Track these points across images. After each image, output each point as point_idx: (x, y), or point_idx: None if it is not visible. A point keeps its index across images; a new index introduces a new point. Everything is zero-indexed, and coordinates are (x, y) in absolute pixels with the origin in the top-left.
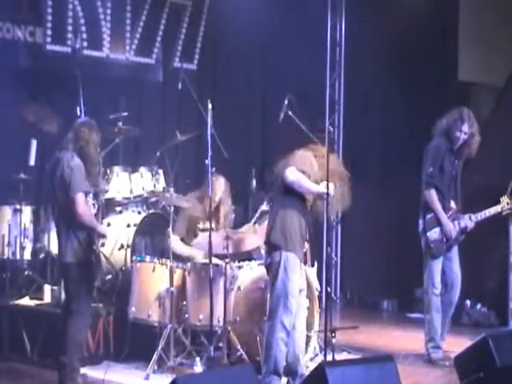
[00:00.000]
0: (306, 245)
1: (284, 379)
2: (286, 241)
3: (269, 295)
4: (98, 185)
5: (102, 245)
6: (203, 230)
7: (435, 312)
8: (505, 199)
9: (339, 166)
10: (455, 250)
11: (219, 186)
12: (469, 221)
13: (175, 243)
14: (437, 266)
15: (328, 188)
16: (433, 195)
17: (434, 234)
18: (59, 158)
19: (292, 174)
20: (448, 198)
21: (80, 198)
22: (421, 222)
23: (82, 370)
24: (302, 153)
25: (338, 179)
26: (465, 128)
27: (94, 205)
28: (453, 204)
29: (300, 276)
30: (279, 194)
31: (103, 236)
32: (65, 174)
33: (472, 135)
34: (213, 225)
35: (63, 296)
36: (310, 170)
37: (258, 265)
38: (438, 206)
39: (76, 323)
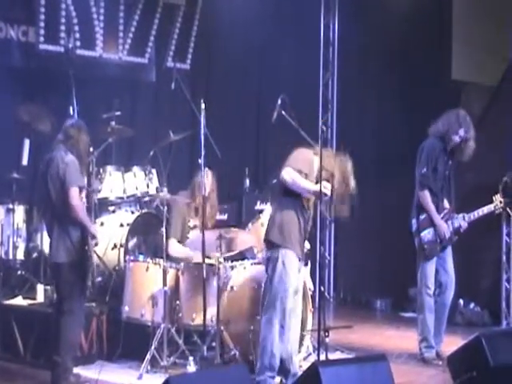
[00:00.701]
0: (307, 244)
1: (277, 378)
2: (285, 239)
3: (263, 290)
4: (90, 184)
5: (96, 244)
6: (193, 228)
7: (428, 312)
8: (497, 198)
9: (345, 169)
10: (449, 251)
11: (207, 179)
12: (462, 221)
13: (174, 247)
14: (430, 266)
15: (322, 187)
16: (426, 196)
17: (427, 234)
18: (52, 158)
19: (287, 175)
20: (441, 198)
21: (74, 191)
22: (414, 222)
23: (75, 370)
24: (300, 151)
25: (342, 181)
26: (461, 132)
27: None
28: (446, 204)
29: (298, 275)
30: (278, 194)
31: (93, 237)
32: (60, 169)
33: (466, 139)
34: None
35: (55, 296)
36: (307, 169)
37: (251, 264)
38: (431, 206)
39: (69, 323)
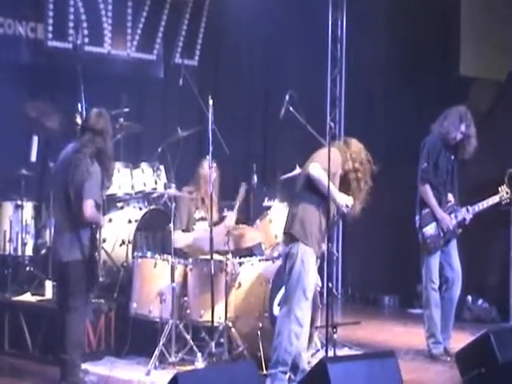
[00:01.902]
0: (324, 246)
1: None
2: (305, 234)
3: (271, 286)
4: (110, 180)
5: (104, 240)
6: (199, 220)
7: (434, 307)
8: (504, 189)
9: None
10: (453, 245)
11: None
12: (466, 213)
13: (179, 237)
14: (434, 260)
15: (346, 201)
16: (427, 190)
17: (430, 229)
18: (78, 163)
19: (315, 170)
20: (444, 192)
21: (89, 204)
22: (417, 217)
23: (84, 366)
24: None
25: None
26: (462, 127)
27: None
28: (450, 197)
29: (315, 273)
30: (303, 188)
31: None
32: (83, 177)
33: (468, 136)
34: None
35: (58, 293)
36: (334, 170)
37: (259, 261)
38: (432, 200)
39: (74, 320)
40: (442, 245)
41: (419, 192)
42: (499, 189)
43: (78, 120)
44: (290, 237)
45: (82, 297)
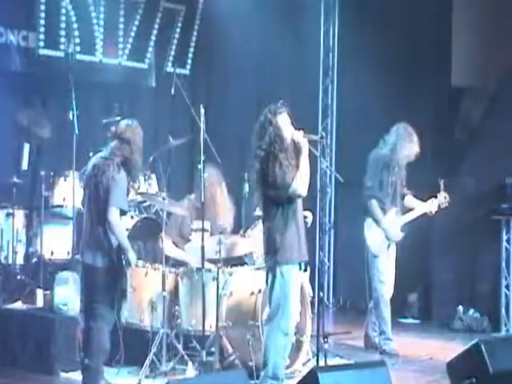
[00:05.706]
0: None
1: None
2: (285, 254)
3: (262, 296)
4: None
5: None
6: (196, 230)
7: (384, 306)
8: (441, 194)
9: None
10: (392, 247)
11: (210, 179)
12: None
13: (167, 246)
14: (382, 261)
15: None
16: (374, 206)
17: (372, 237)
18: (104, 169)
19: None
20: (390, 204)
21: (113, 211)
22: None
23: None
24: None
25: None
26: (405, 151)
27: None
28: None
29: (298, 279)
30: (269, 208)
31: (128, 263)
32: (109, 184)
33: (412, 149)
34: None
35: (81, 300)
36: (290, 160)
37: (251, 270)
38: (378, 214)
39: (100, 328)
40: (386, 248)
41: (364, 204)
42: (437, 194)
43: (112, 129)
44: (269, 262)
45: (108, 304)
